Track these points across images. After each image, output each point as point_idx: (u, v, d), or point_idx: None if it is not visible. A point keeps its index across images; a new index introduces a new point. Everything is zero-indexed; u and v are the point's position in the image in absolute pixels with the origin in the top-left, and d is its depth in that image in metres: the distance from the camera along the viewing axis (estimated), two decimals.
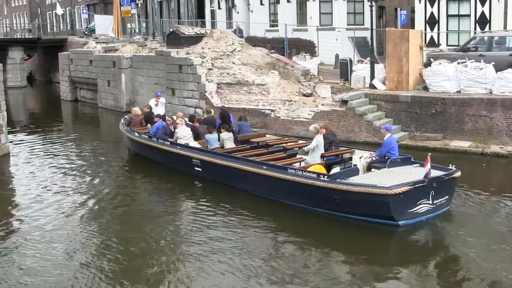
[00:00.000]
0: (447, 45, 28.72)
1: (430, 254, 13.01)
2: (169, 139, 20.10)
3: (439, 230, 14.37)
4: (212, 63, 28.49)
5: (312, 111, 24.54)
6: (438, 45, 29.04)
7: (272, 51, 30.95)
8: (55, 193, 17.92)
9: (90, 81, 39.19)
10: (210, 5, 47.81)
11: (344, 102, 24.03)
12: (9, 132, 24.71)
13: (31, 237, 14.20)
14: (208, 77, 27.91)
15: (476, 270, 11.84)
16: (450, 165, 15.38)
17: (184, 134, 19.93)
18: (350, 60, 27.42)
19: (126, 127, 23.10)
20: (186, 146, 19.45)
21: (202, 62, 28.46)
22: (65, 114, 39.65)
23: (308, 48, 33.25)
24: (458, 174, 15.16)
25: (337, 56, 31.48)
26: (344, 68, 27.26)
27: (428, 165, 14.18)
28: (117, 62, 35.07)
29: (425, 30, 29.01)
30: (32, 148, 25.46)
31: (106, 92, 36.82)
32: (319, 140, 16.94)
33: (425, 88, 24.37)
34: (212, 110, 22.80)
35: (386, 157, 16.18)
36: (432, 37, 29.36)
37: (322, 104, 24.87)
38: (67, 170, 20.82)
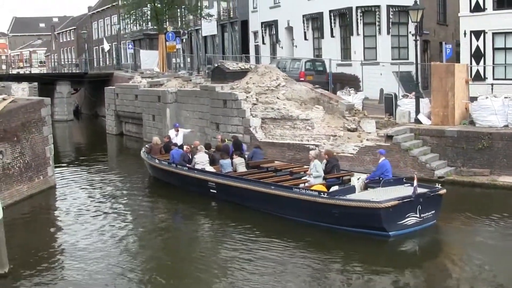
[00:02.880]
0: (493, 79, 28.43)
1: (418, 261, 14.94)
2: (187, 165, 22.16)
3: (426, 240, 16.30)
4: (256, 98, 28.57)
5: (356, 146, 24.39)
6: (484, 79, 28.76)
7: (317, 86, 30.90)
8: (96, 224, 18.71)
9: (135, 115, 39.61)
10: (255, 40, 48.20)
11: (389, 137, 23.89)
12: (55, 165, 25.07)
13: (75, 266, 14.90)
14: (252, 112, 27.99)
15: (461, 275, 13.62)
16: (437, 184, 17.50)
17: (201, 160, 21.98)
18: (395, 94, 27.26)
19: (147, 154, 25.11)
20: (202, 171, 21.59)
21: (247, 97, 28.54)
22: (110, 147, 40.20)
23: (353, 82, 33.28)
24: (443, 191, 17.02)
25: (381, 90, 31.34)
26: (389, 103, 27.10)
27: (415, 183, 16.11)
28: (162, 96, 35.42)
29: (471, 64, 28.76)
30: (77, 180, 25.91)
31: (150, 127, 37.14)
32: (315, 164, 19.05)
33: (472, 123, 24.10)
34: (226, 139, 25.00)
35: (381, 178, 18.04)
36: (478, 71, 29.09)
37: (367, 139, 24.68)
38: (109, 202, 21.69)
